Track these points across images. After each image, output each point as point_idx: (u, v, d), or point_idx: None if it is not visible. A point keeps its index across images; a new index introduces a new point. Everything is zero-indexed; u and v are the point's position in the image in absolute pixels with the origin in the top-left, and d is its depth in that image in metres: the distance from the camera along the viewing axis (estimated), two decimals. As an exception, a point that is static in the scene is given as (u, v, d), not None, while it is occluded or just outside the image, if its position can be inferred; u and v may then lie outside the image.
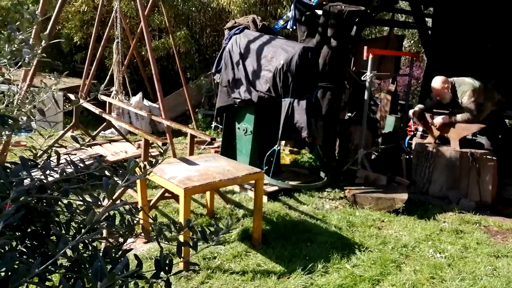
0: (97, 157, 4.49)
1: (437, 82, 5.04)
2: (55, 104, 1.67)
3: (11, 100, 1.62)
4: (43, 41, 1.60)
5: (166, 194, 3.82)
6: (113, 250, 1.16)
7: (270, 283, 2.95)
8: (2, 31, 1.49)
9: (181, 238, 1.88)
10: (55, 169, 1.32)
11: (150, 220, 1.44)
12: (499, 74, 6.45)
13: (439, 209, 4.63)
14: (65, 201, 1.29)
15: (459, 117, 4.99)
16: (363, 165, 5.32)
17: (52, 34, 4.45)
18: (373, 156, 6.35)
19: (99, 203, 1.21)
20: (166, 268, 1.12)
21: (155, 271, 1.13)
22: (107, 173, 1.34)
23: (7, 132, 1.39)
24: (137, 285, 1.13)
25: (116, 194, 3.57)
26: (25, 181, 1.25)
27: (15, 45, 1.41)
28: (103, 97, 5.95)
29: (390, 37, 7.91)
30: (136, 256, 1.27)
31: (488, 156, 4.88)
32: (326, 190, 5.02)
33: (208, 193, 4.04)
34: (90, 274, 1.00)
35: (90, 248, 1.24)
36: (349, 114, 7.43)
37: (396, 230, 4.02)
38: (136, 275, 1.08)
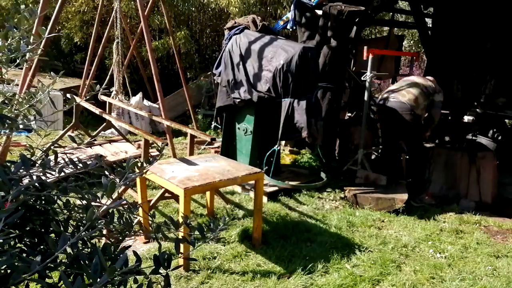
0: (97, 156, 4.49)
1: None
2: (51, 103, 1.67)
3: (9, 99, 1.62)
4: (43, 37, 1.60)
5: (166, 194, 3.81)
6: (112, 247, 1.16)
7: (270, 283, 2.94)
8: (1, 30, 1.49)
9: (179, 236, 1.88)
10: (54, 168, 1.32)
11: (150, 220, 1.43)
12: (499, 74, 6.45)
13: (439, 209, 4.63)
14: (64, 199, 1.28)
15: None
16: (363, 165, 5.32)
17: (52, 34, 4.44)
18: (373, 156, 6.34)
19: (98, 201, 1.21)
20: (165, 264, 1.12)
21: (154, 267, 1.13)
22: (105, 172, 1.34)
23: (6, 131, 1.39)
24: (136, 282, 1.13)
25: (116, 193, 3.57)
26: (24, 180, 1.25)
27: (13, 43, 1.40)
28: (103, 97, 5.95)
29: (390, 37, 7.90)
30: (135, 253, 1.27)
31: (488, 156, 4.87)
32: (326, 190, 5.02)
33: (208, 193, 4.03)
34: (90, 270, 1.00)
35: (89, 245, 1.24)
36: (349, 114, 7.43)
37: (396, 230, 4.02)
38: (136, 271, 1.08)
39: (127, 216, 1.29)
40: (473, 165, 4.86)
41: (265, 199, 4.45)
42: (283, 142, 6.29)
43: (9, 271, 1.07)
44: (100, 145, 5.97)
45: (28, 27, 1.55)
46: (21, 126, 1.51)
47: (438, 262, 3.37)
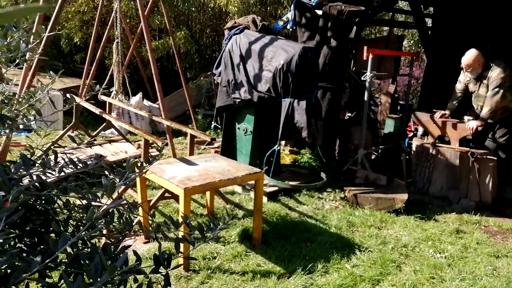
0: (97, 156, 4.50)
1: (471, 55, 5.01)
2: (50, 103, 1.67)
3: (9, 99, 1.62)
4: (42, 36, 1.61)
5: (166, 194, 3.81)
6: (112, 247, 1.17)
7: (270, 283, 2.94)
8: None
9: (179, 235, 1.88)
10: (54, 168, 1.32)
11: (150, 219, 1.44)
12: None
13: (439, 209, 4.62)
14: (64, 199, 1.28)
15: (484, 112, 5.00)
16: (363, 165, 5.32)
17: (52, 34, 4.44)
18: (373, 156, 6.34)
19: (98, 200, 1.21)
20: (165, 263, 1.12)
21: (154, 266, 1.13)
22: (106, 172, 1.34)
23: (6, 131, 1.39)
24: (137, 281, 1.13)
25: (116, 193, 3.57)
26: (25, 180, 1.25)
27: (13, 43, 1.41)
28: (103, 97, 5.95)
29: (390, 37, 7.89)
30: (135, 252, 1.27)
31: (488, 156, 4.87)
32: (326, 190, 5.02)
33: (208, 193, 4.03)
34: (90, 270, 1.00)
35: (89, 245, 1.24)
36: (349, 114, 7.42)
37: (396, 230, 4.02)
38: (136, 270, 1.08)
39: (127, 216, 1.29)
40: (473, 165, 4.86)
41: (265, 199, 4.45)
42: (283, 142, 6.29)
43: (9, 270, 1.07)
44: (100, 145, 5.97)
45: (28, 27, 1.56)
46: (21, 126, 1.51)
47: (438, 262, 3.37)
